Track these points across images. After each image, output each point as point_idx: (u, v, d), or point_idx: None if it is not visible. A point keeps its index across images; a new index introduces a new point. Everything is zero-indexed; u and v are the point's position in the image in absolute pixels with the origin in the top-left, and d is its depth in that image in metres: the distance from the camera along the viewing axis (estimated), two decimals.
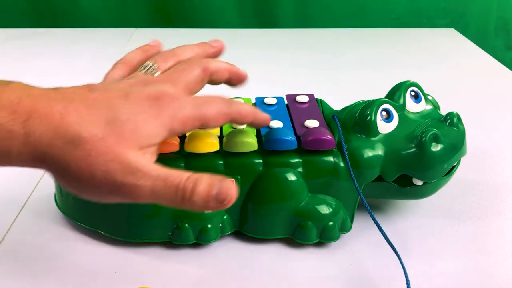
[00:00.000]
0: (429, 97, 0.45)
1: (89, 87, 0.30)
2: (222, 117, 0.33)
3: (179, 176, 0.28)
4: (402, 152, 0.40)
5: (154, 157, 0.30)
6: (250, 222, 0.41)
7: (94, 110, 0.28)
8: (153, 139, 0.29)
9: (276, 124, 0.42)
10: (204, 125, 0.32)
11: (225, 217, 0.41)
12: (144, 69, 0.35)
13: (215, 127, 0.34)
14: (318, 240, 0.41)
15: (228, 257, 0.40)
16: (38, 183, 0.49)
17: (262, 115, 0.37)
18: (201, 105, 0.32)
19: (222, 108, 0.33)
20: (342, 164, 0.40)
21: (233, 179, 0.28)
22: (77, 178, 0.28)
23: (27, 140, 0.27)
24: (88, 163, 0.27)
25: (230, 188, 0.28)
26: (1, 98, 0.27)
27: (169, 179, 0.28)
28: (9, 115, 0.26)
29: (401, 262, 0.37)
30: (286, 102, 0.47)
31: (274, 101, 0.47)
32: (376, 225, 0.38)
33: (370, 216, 0.38)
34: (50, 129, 0.27)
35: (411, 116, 0.42)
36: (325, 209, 0.40)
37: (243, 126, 0.41)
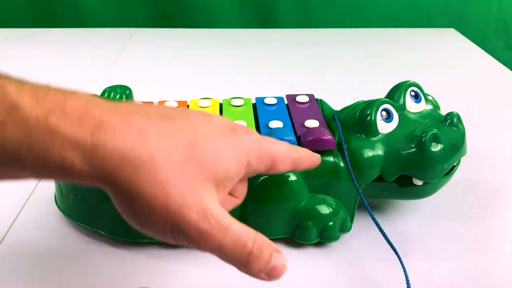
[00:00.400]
0: (429, 97, 0.45)
1: (164, 105, 0.28)
2: (289, 159, 0.30)
3: (246, 235, 0.25)
4: (402, 152, 0.40)
5: (221, 200, 0.26)
6: (250, 222, 0.41)
7: (175, 127, 0.25)
8: (231, 174, 0.26)
9: (276, 124, 0.42)
10: (273, 167, 0.29)
11: None
12: None
13: (280, 171, 0.31)
14: (318, 240, 0.41)
15: None
16: (38, 183, 0.49)
17: (317, 157, 0.35)
18: (273, 143, 0.30)
19: (289, 150, 0.31)
20: (342, 164, 0.40)
21: (283, 255, 0.26)
22: (147, 207, 0.23)
23: (94, 154, 0.23)
24: (165, 192, 0.23)
25: (283, 265, 0.26)
26: (65, 106, 0.23)
27: (239, 238, 0.25)
28: (75, 124, 0.23)
29: (401, 262, 0.37)
30: (286, 102, 0.47)
31: (274, 101, 0.47)
32: (376, 225, 0.38)
33: (370, 216, 0.38)
34: (124, 144, 0.23)
35: (411, 116, 0.42)
36: (325, 209, 0.40)
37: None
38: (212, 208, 0.24)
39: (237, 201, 0.32)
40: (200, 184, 0.24)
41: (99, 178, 0.23)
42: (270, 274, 0.25)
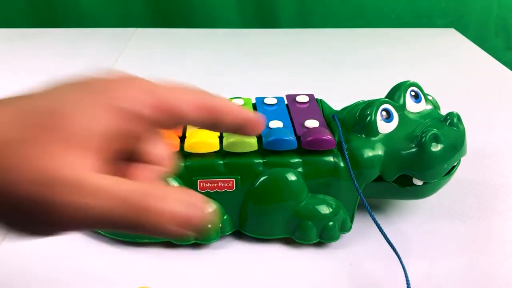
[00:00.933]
0: (429, 97, 0.45)
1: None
2: (198, 104, 0.24)
3: (136, 190, 0.20)
4: (402, 152, 0.40)
5: (105, 163, 0.21)
6: (250, 222, 0.41)
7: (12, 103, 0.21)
8: (90, 128, 0.21)
9: (276, 124, 0.42)
10: (177, 115, 0.23)
11: (225, 217, 0.41)
12: None
13: (192, 121, 0.24)
14: (318, 240, 0.41)
15: (228, 257, 0.40)
16: None
17: (247, 112, 0.26)
18: (174, 90, 0.24)
19: (199, 96, 0.24)
20: (342, 164, 0.40)
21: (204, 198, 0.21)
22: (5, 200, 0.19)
23: None
24: (7, 177, 0.19)
25: (202, 208, 0.21)
26: None
27: (116, 194, 0.20)
28: None
29: (401, 262, 0.37)
30: (286, 102, 0.47)
31: (274, 101, 0.47)
32: (376, 225, 0.38)
33: (370, 216, 0.38)
34: None
35: (411, 116, 0.42)
36: (325, 209, 0.40)
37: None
38: (80, 172, 0.20)
39: (157, 168, 0.25)
40: (41, 154, 0.19)
41: None
42: (189, 225, 0.20)
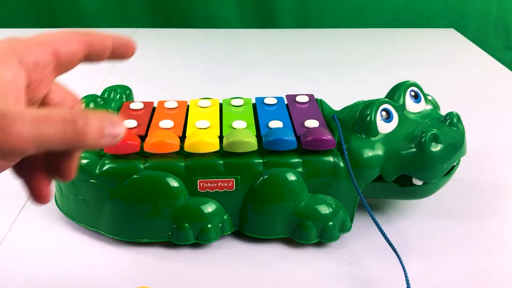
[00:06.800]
0: (429, 97, 0.45)
1: None
2: (73, 36, 0.27)
3: (61, 110, 0.23)
4: (402, 152, 0.40)
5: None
6: (250, 222, 0.41)
7: None
8: (2, 78, 0.24)
9: (276, 124, 0.42)
10: (58, 51, 0.27)
11: (225, 217, 0.41)
12: None
13: (70, 54, 0.27)
14: (318, 240, 0.41)
15: (228, 257, 0.40)
16: None
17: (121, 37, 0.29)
18: (45, 34, 0.27)
19: (72, 31, 0.28)
20: (342, 164, 0.40)
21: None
22: None
23: None
24: None
25: (118, 123, 0.24)
26: None
27: (50, 116, 0.22)
28: None
29: (401, 262, 0.37)
30: (286, 102, 0.47)
31: (274, 101, 0.47)
32: (376, 225, 0.38)
33: (370, 216, 0.38)
34: None
35: (411, 116, 0.42)
36: (325, 209, 0.40)
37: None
38: (2, 107, 0.22)
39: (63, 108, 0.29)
40: None
41: None
42: (112, 134, 0.24)
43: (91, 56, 0.28)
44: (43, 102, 0.27)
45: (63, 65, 0.27)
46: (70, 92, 0.29)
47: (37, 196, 0.26)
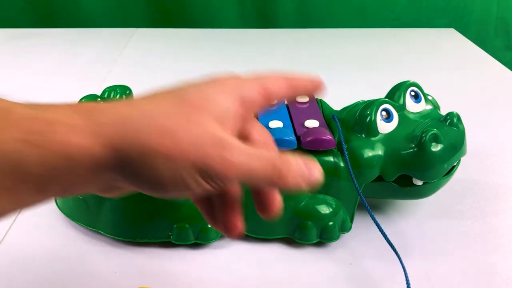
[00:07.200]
0: (429, 97, 0.45)
1: None
2: (281, 80, 0.30)
3: (270, 154, 0.26)
4: (402, 152, 0.40)
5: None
6: (250, 222, 0.41)
7: (158, 96, 0.27)
8: (225, 108, 0.26)
9: (276, 124, 0.42)
10: (268, 92, 0.29)
11: None
12: None
13: (279, 95, 0.30)
14: (318, 240, 0.41)
15: (228, 257, 0.40)
16: None
17: (315, 77, 0.32)
18: (259, 76, 0.29)
19: (279, 74, 0.30)
20: (342, 164, 0.40)
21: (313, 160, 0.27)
22: (164, 161, 0.23)
23: (93, 121, 0.23)
24: (175, 140, 0.23)
25: (315, 169, 0.26)
26: (55, 105, 0.24)
27: (263, 157, 0.25)
28: (70, 112, 0.23)
29: (401, 262, 0.37)
30: (286, 102, 0.47)
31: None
32: (376, 225, 0.38)
33: (370, 216, 0.38)
34: (120, 112, 0.24)
35: (411, 116, 0.42)
36: (325, 209, 0.40)
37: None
38: (225, 137, 0.25)
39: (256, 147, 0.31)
40: (201, 121, 0.25)
41: (109, 155, 0.23)
42: (309, 180, 0.26)
43: (290, 97, 0.31)
44: (243, 136, 0.29)
45: (267, 105, 0.30)
46: (266, 130, 0.31)
47: (231, 229, 0.28)
